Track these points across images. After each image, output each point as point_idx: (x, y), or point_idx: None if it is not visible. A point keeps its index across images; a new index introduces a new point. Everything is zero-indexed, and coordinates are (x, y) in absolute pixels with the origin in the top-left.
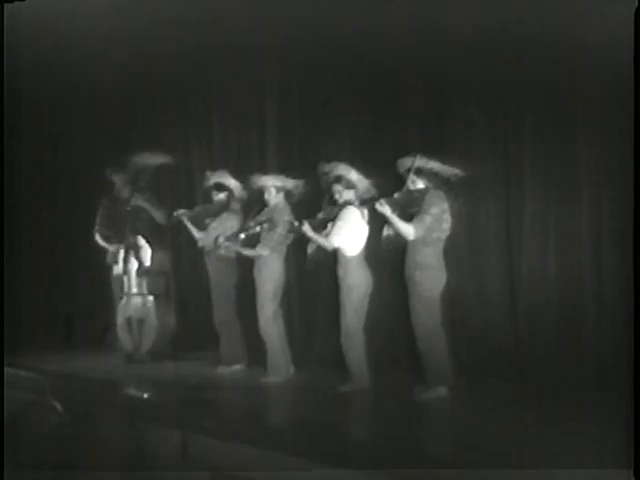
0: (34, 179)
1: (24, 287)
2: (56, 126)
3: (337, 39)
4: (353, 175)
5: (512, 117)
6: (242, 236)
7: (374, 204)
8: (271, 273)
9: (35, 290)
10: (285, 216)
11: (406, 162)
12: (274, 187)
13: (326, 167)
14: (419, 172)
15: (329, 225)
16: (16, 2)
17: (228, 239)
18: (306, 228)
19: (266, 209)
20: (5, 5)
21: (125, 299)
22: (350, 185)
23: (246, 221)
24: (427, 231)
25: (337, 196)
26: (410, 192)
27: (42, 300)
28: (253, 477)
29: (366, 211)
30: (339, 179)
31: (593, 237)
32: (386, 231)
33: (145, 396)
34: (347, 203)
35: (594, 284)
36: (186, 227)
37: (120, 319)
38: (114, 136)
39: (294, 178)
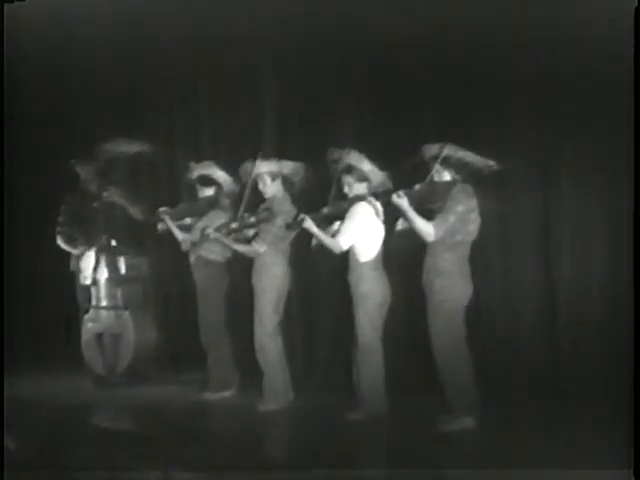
0: (34, 179)
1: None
2: (54, 126)
3: (351, 11)
4: (365, 165)
5: (542, 110)
6: (234, 225)
7: (390, 197)
8: (273, 279)
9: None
10: (286, 206)
11: (432, 149)
12: (268, 174)
13: (336, 154)
14: (446, 161)
15: (337, 224)
16: (16, 2)
17: (218, 229)
18: (309, 224)
19: (262, 204)
20: (5, 5)
21: (93, 312)
22: (362, 177)
23: (240, 210)
24: (450, 232)
25: (347, 189)
26: (434, 184)
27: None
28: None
29: (381, 207)
30: (350, 169)
31: None
32: (400, 225)
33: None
34: (358, 198)
35: None
36: (167, 228)
37: (86, 336)
38: (89, 122)
39: (291, 160)
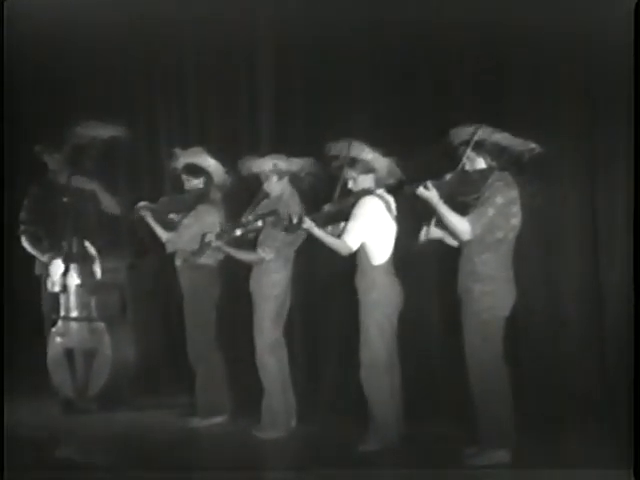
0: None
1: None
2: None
3: None
4: (368, 154)
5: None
6: (238, 232)
7: (413, 188)
8: (274, 286)
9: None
10: (294, 207)
11: (463, 132)
12: (274, 172)
13: (334, 148)
14: (480, 146)
15: (342, 224)
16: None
17: (220, 236)
18: (309, 225)
19: (266, 201)
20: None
21: (61, 325)
22: (367, 168)
23: (245, 214)
24: (489, 228)
25: (351, 184)
26: (466, 173)
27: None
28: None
29: (393, 202)
30: (352, 162)
31: None
32: (424, 236)
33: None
34: (365, 192)
35: None
36: (148, 225)
37: (53, 352)
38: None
39: (299, 157)
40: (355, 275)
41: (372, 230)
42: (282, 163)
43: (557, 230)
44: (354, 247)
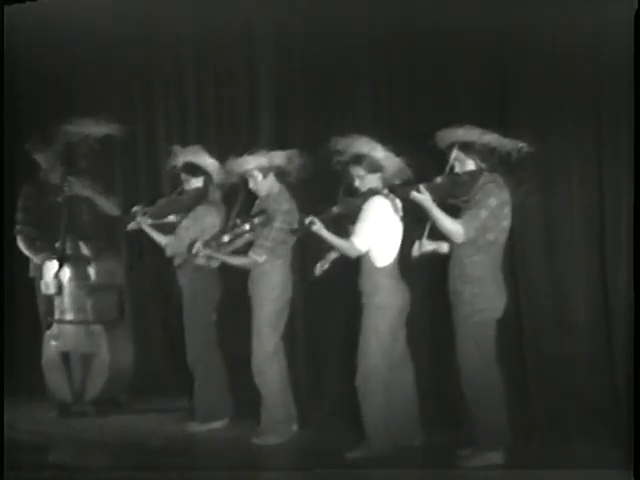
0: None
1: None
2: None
3: None
4: (379, 152)
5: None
6: (226, 239)
7: (407, 192)
8: (273, 288)
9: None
10: (284, 204)
11: (449, 134)
12: (258, 170)
13: (340, 143)
14: (468, 148)
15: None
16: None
17: (207, 244)
18: (318, 227)
19: (257, 201)
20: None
21: (56, 327)
22: (375, 167)
23: (230, 218)
24: (481, 230)
25: (357, 183)
26: (456, 176)
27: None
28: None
29: (399, 202)
30: (359, 159)
31: None
32: (417, 247)
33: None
34: (372, 192)
35: None
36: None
37: (48, 355)
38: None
39: (283, 149)
40: (359, 278)
41: (379, 231)
42: (263, 159)
43: (563, 232)
44: (363, 249)
